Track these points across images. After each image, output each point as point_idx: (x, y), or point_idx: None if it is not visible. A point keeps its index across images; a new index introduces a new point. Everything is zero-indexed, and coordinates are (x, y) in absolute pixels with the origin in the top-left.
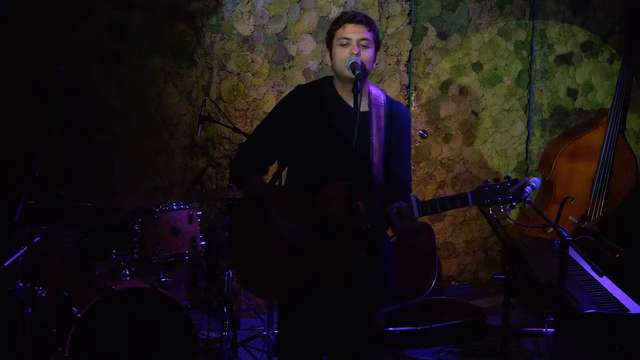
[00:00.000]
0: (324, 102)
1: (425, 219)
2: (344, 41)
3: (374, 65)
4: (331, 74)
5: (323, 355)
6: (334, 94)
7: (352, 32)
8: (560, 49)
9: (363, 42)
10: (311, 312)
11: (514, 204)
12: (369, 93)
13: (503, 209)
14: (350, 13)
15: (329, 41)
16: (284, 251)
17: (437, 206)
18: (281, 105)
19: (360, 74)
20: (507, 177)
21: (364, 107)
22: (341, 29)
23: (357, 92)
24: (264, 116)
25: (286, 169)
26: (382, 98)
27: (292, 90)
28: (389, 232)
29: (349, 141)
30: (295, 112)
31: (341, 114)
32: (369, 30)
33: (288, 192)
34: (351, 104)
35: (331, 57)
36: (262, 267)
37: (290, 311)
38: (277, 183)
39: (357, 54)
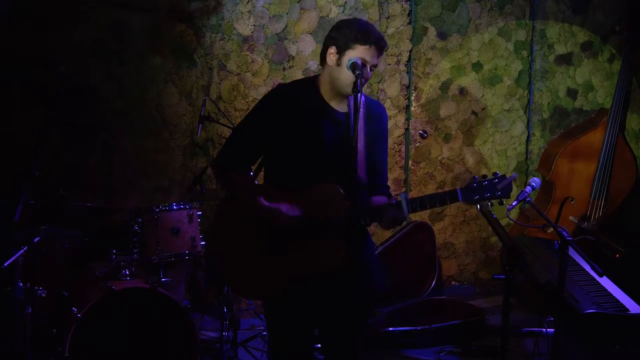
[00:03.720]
0: (306, 102)
1: (425, 219)
2: (361, 61)
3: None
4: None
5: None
6: (317, 95)
7: (372, 56)
8: (560, 49)
9: (373, 68)
10: (299, 313)
11: (514, 202)
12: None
13: (492, 205)
14: (377, 34)
15: (343, 46)
16: (271, 251)
17: (427, 203)
18: (261, 104)
19: (360, 74)
20: (495, 174)
21: (344, 108)
22: (365, 47)
23: (357, 92)
24: None
25: (263, 169)
26: (362, 99)
27: (273, 90)
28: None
29: (332, 142)
30: (276, 111)
31: (323, 114)
32: (380, 55)
33: (275, 192)
34: (333, 105)
35: (337, 62)
36: (247, 267)
37: (278, 313)
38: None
39: (368, 78)
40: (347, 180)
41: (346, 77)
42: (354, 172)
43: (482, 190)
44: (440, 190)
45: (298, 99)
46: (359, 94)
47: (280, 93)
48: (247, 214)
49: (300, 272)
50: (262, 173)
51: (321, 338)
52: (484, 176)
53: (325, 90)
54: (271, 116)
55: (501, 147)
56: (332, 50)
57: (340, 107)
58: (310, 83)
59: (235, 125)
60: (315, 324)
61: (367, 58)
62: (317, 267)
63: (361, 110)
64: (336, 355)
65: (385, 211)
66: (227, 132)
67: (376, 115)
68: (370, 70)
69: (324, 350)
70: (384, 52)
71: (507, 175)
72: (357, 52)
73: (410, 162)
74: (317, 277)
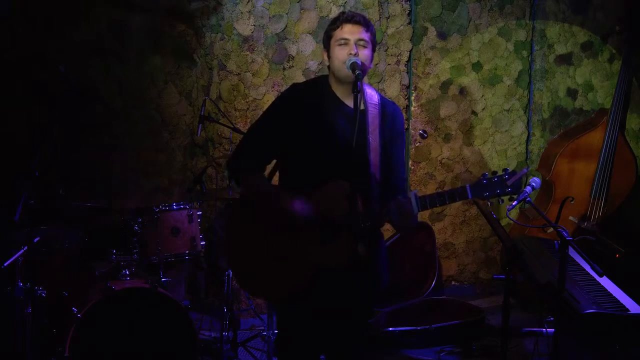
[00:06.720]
0: (320, 100)
1: (425, 219)
2: (342, 41)
3: (372, 65)
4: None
5: (321, 355)
6: (330, 93)
7: (350, 32)
8: (560, 49)
9: (361, 42)
10: (310, 312)
11: (514, 203)
12: (364, 92)
13: (503, 201)
14: (348, 13)
15: (327, 41)
16: (284, 250)
17: (437, 201)
18: (276, 104)
19: (360, 74)
20: (505, 170)
21: (360, 105)
22: (339, 29)
23: (357, 91)
24: None
25: (279, 168)
26: (377, 98)
27: (287, 89)
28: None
29: (346, 140)
30: (291, 110)
31: (338, 112)
32: (367, 31)
33: (287, 191)
34: (347, 102)
35: (329, 57)
36: (261, 267)
37: (290, 312)
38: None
39: (356, 54)
40: (360, 176)
41: (340, 69)
42: (366, 168)
43: (491, 186)
44: (440, 190)
45: (312, 96)
46: (376, 94)
47: (295, 92)
48: (261, 212)
49: (312, 271)
50: (275, 176)
51: (324, 336)
52: (494, 172)
53: (336, 88)
54: (286, 114)
55: (501, 147)
56: (323, 49)
57: (352, 104)
58: (323, 81)
59: (250, 125)
60: (323, 324)
61: (345, 36)
62: (328, 265)
63: (377, 109)
64: (338, 355)
65: (394, 210)
66: (227, 132)
67: (391, 114)
68: (361, 46)
69: (326, 348)
70: (385, 52)
71: (517, 171)
72: (335, 37)
73: (410, 162)
74: (327, 276)
